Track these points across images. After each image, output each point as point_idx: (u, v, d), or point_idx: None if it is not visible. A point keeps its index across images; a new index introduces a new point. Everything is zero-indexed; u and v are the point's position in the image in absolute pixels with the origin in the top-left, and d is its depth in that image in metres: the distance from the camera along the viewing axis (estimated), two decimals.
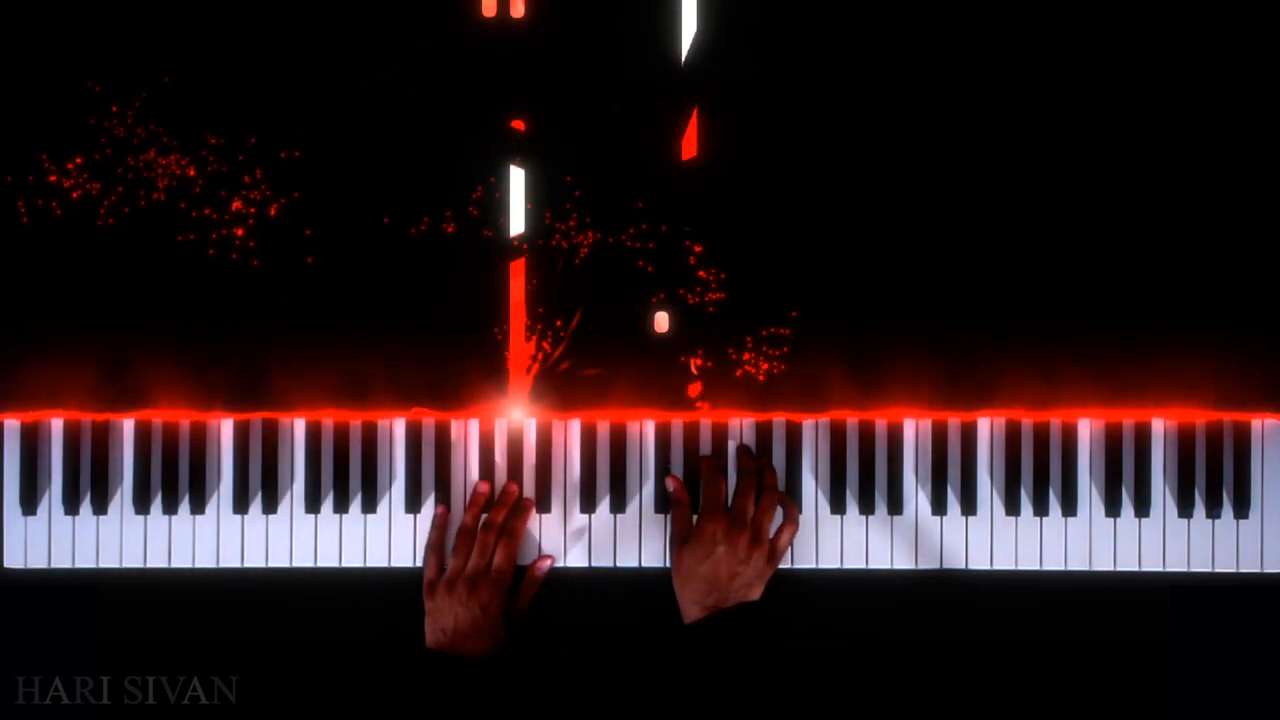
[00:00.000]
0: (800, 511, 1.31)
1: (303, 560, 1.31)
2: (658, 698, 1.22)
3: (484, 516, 1.30)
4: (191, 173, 1.28)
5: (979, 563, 1.31)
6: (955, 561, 1.31)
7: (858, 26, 1.29)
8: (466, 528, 1.30)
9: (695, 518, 1.28)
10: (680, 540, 1.27)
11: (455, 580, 1.27)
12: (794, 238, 1.29)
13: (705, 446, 1.31)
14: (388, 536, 1.31)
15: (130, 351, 1.28)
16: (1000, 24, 1.28)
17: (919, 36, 1.29)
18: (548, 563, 1.31)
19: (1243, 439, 1.30)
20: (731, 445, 1.32)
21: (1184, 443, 1.30)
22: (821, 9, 1.29)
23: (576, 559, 1.32)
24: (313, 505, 1.31)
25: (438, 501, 1.31)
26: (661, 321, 1.29)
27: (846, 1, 1.28)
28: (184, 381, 1.28)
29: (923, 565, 1.31)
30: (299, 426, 1.31)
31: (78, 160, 1.28)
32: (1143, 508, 1.30)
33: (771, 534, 1.27)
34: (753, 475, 1.28)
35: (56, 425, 1.31)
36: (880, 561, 1.31)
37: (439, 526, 1.30)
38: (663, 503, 1.31)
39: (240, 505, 1.31)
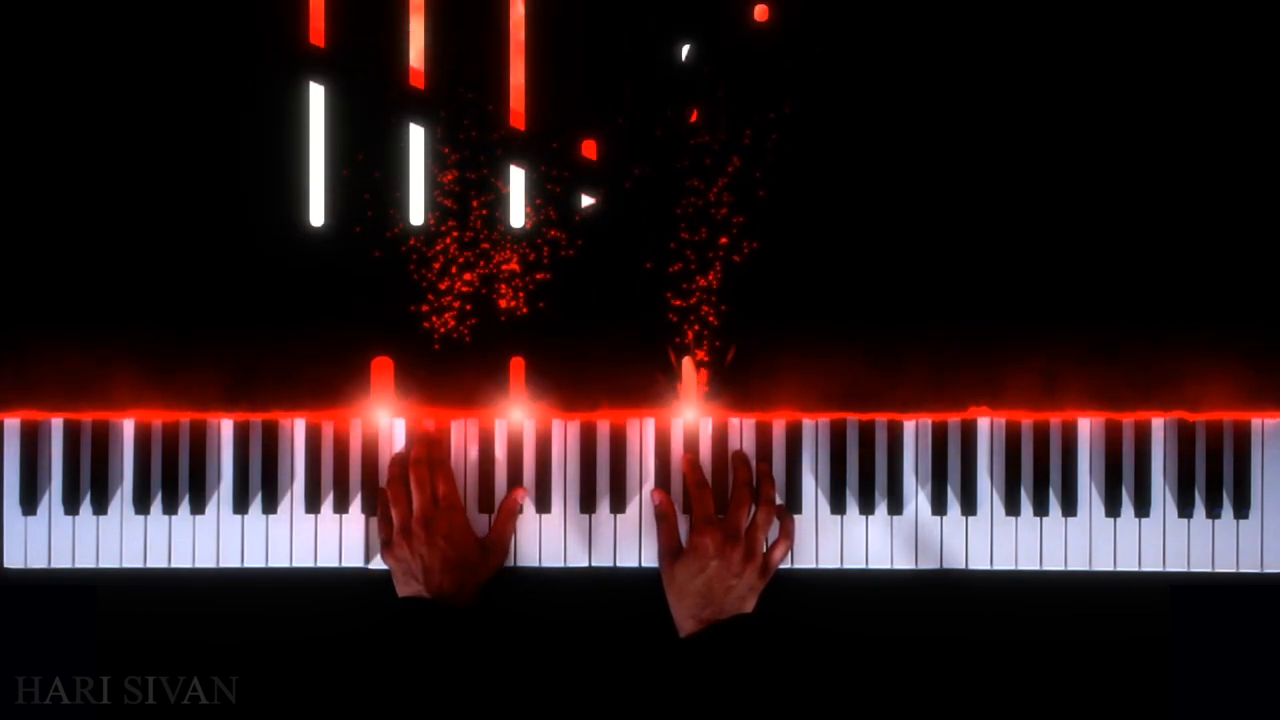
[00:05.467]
0: (801, 513, 1.31)
1: (302, 560, 1.31)
2: (657, 712, 1.22)
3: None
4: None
5: (979, 563, 1.31)
6: (955, 561, 1.31)
7: (861, 28, 1.29)
8: (396, 478, 1.29)
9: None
10: (669, 555, 1.27)
11: (407, 526, 1.26)
12: (794, 237, 1.29)
13: (705, 446, 1.31)
14: None
15: (130, 351, 1.28)
16: (997, 23, 1.28)
17: (921, 38, 1.28)
18: (522, 493, 1.31)
19: (1243, 439, 1.30)
20: (731, 451, 1.32)
21: (1184, 443, 1.30)
22: (824, 9, 1.29)
23: (576, 559, 1.32)
24: (313, 505, 1.31)
25: None
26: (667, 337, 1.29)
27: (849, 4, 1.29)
28: (182, 381, 1.28)
29: (923, 565, 1.31)
30: (299, 426, 1.31)
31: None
32: (1143, 508, 1.30)
33: (766, 547, 1.27)
34: (747, 486, 1.28)
35: (56, 425, 1.31)
36: (880, 561, 1.31)
37: (385, 502, 1.30)
38: None
39: (240, 505, 1.31)
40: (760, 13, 1.28)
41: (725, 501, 1.29)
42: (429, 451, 1.29)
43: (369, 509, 1.31)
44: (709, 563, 1.23)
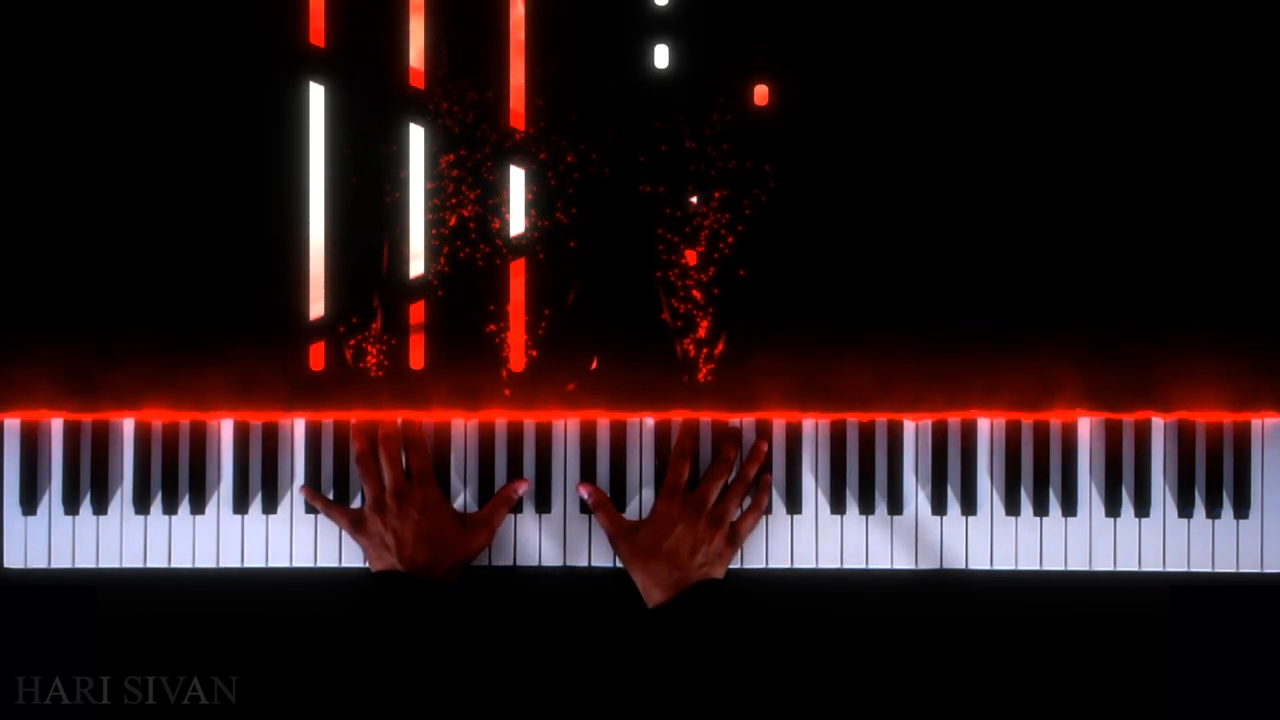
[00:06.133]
0: (801, 513, 1.31)
1: (303, 560, 1.31)
2: (633, 682, 1.22)
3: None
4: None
5: (979, 563, 1.31)
6: (955, 561, 1.31)
7: (862, 31, 1.29)
8: (364, 454, 1.28)
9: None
10: (623, 533, 1.26)
11: (380, 500, 1.26)
12: (795, 236, 1.29)
13: (706, 446, 1.31)
14: None
15: (130, 351, 1.28)
16: (993, 24, 1.28)
17: (924, 36, 1.28)
18: (523, 484, 1.30)
19: (1243, 439, 1.30)
20: (698, 427, 1.31)
21: (1184, 443, 1.30)
22: (825, 8, 1.29)
23: (576, 559, 1.32)
24: (313, 505, 1.31)
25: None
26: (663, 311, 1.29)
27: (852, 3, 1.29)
28: (183, 381, 1.28)
29: (923, 565, 1.31)
30: (299, 426, 1.31)
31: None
32: (1143, 508, 1.30)
33: (736, 518, 1.28)
34: (726, 463, 1.28)
35: (56, 425, 1.31)
36: (880, 561, 1.31)
37: (322, 497, 1.30)
38: None
39: (240, 505, 1.31)
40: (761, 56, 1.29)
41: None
42: (398, 428, 1.29)
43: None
44: (675, 526, 1.23)
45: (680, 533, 1.23)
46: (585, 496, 1.30)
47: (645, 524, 1.26)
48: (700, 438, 1.31)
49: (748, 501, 1.30)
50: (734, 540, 1.27)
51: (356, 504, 1.31)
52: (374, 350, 1.29)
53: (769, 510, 1.31)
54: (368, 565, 1.29)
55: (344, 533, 1.30)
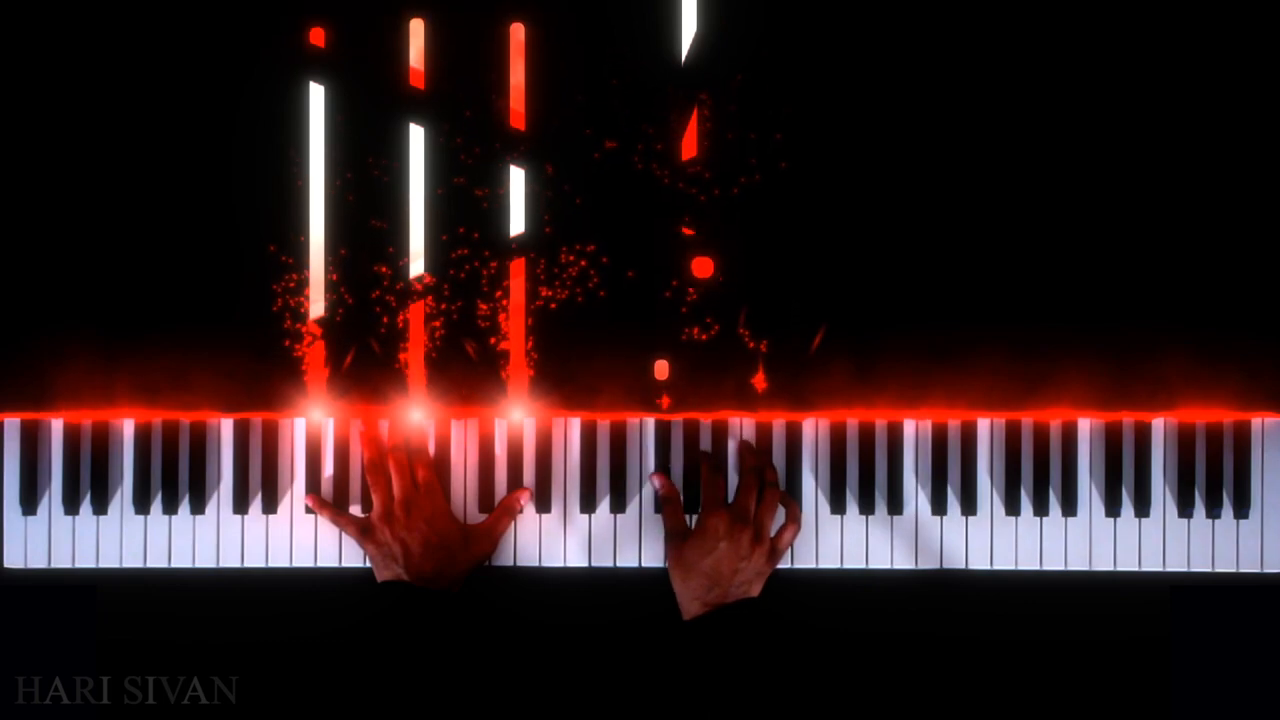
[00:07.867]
0: (801, 511, 1.31)
1: (302, 560, 1.31)
2: (658, 694, 1.22)
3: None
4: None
5: (979, 563, 1.31)
6: (955, 561, 1.31)
7: (860, 24, 1.29)
8: (373, 462, 1.28)
9: (695, 515, 1.28)
10: (676, 536, 1.27)
11: (388, 509, 1.26)
12: (792, 236, 1.29)
13: (705, 446, 1.31)
14: None
15: (130, 351, 1.28)
16: (995, 23, 1.28)
17: (922, 33, 1.28)
18: (525, 494, 1.31)
19: (1243, 439, 1.30)
20: (731, 444, 1.32)
21: (1184, 443, 1.30)
22: (822, 7, 1.29)
23: (576, 559, 1.32)
24: (318, 512, 1.31)
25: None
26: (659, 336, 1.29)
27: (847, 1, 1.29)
28: (183, 381, 1.28)
29: (923, 565, 1.31)
30: (299, 427, 1.31)
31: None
32: (1143, 508, 1.30)
33: (773, 533, 1.27)
34: (755, 473, 1.28)
35: (56, 425, 1.31)
36: (880, 561, 1.31)
37: (329, 506, 1.30)
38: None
39: (240, 505, 1.31)
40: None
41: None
42: (405, 437, 1.29)
43: (369, 509, 1.30)
44: (718, 544, 1.23)
45: (723, 551, 1.23)
46: (657, 487, 1.30)
47: (694, 535, 1.26)
48: (700, 442, 1.31)
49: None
50: (773, 558, 1.26)
51: (355, 509, 1.31)
52: (374, 350, 1.29)
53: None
54: (369, 566, 1.29)
55: (343, 534, 1.30)
